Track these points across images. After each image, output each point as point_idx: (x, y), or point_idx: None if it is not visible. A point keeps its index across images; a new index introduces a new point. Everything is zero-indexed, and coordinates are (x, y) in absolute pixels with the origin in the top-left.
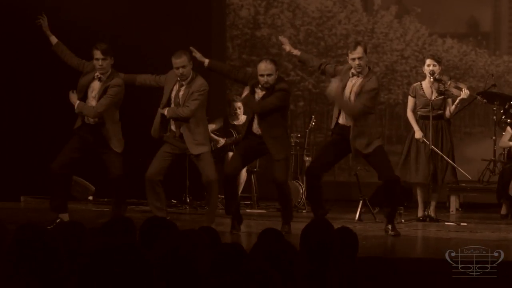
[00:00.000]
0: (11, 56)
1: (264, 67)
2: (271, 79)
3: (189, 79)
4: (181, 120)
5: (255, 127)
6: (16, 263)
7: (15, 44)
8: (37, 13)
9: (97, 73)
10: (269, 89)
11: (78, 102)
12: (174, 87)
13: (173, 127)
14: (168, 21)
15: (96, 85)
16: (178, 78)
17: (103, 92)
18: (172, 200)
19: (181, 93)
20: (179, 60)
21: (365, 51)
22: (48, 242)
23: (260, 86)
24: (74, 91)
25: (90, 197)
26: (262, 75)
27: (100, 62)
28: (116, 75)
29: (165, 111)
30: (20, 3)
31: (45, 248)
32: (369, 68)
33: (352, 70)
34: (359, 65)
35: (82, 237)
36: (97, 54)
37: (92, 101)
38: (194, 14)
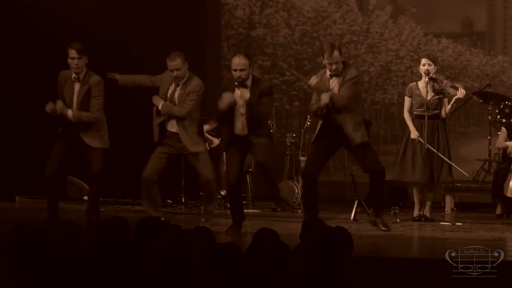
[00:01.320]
0: (7, 57)
1: (238, 62)
2: (244, 74)
3: (185, 79)
4: (175, 118)
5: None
6: (11, 263)
7: (10, 44)
8: (37, 13)
9: (73, 75)
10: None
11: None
12: (170, 87)
13: (171, 129)
14: (163, 21)
15: (176, 91)
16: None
17: (88, 94)
18: (167, 200)
19: (177, 93)
20: (174, 63)
21: (340, 52)
22: (43, 242)
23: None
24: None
25: (85, 197)
26: (235, 70)
27: (75, 61)
28: (92, 73)
29: (160, 105)
30: (18, 3)
31: (40, 248)
32: (344, 63)
33: (330, 72)
34: (336, 69)
35: (77, 237)
36: (72, 53)
37: None
38: (189, 14)
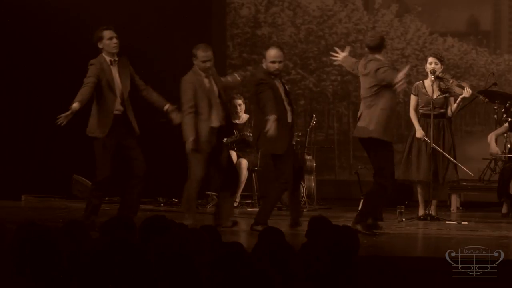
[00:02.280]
0: (11, 56)
1: (277, 53)
2: (281, 66)
3: (211, 71)
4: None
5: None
6: (16, 262)
7: (14, 43)
8: (36, 13)
9: (108, 59)
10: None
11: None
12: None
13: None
14: (169, 20)
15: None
16: (203, 73)
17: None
18: (173, 199)
19: (214, 86)
20: (209, 53)
21: None
22: (49, 241)
23: None
24: None
25: None
26: (273, 62)
27: (115, 40)
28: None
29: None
30: (19, 2)
31: (46, 247)
32: None
33: None
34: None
35: (83, 235)
36: (110, 33)
37: None
38: (194, 13)
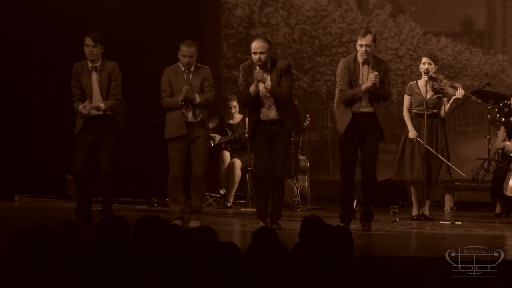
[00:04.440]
0: (5, 56)
1: (257, 45)
2: (263, 56)
3: (192, 67)
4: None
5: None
6: (10, 262)
7: (9, 43)
8: (30, 11)
9: (89, 64)
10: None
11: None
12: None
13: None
14: (163, 20)
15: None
16: (184, 68)
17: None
18: (167, 199)
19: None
20: (191, 49)
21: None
22: (43, 241)
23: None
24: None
25: None
26: (255, 53)
27: (90, 49)
28: (107, 61)
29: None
30: (19, 2)
31: (40, 247)
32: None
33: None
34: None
35: (76, 236)
36: (88, 41)
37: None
38: (188, 13)
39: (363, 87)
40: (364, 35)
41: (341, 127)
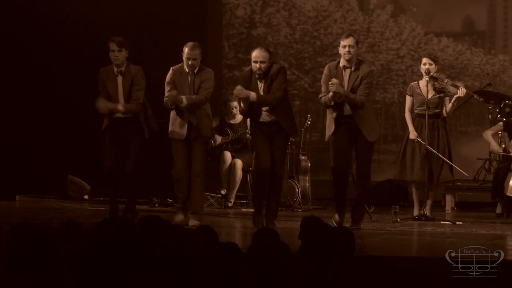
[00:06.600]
0: (6, 56)
1: (258, 54)
2: (263, 66)
3: (196, 69)
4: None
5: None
6: (12, 262)
7: (11, 43)
8: (30, 12)
9: (115, 69)
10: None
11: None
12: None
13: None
14: (164, 20)
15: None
16: (188, 69)
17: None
18: (168, 199)
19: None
20: (195, 52)
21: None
22: (44, 241)
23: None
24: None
25: (86, 196)
26: (255, 62)
27: (115, 53)
28: (132, 65)
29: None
30: (19, 3)
31: (41, 247)
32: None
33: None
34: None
35: (78, 236)
36: (113, 46)
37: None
38: (190, 13)
39: (329, 95)
40: (347, 36)
41: (329, 130)
